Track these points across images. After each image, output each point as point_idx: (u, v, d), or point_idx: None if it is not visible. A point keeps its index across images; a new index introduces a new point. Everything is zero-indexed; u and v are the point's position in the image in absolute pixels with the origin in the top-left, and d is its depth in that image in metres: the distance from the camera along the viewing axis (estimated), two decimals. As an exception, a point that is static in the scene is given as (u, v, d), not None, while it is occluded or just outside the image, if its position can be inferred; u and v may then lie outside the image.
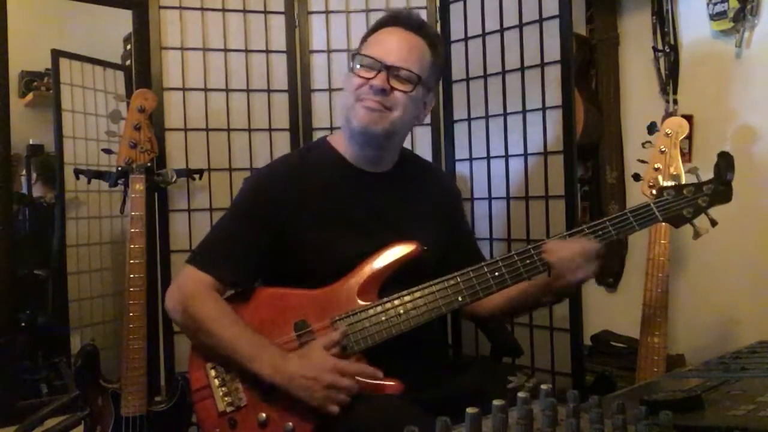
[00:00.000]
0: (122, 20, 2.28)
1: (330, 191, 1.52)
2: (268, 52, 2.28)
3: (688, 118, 2.10)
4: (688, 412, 0.86)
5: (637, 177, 1.88)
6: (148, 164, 1.98)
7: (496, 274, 1.41)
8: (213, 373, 1.42)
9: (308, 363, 1.33)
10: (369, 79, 1.45)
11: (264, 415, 1.37)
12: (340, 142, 1.58)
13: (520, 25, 2.15)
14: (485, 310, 1.61)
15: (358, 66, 1.48)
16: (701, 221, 1.49)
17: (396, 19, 1.53)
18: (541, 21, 2.10)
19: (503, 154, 2.23)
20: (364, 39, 1.54)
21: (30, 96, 2.70)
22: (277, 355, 1.36)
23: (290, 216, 1.48)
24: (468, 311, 1.64)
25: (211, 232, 1.58)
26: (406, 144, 1.69)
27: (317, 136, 2.22)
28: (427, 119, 2.31)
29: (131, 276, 1.89)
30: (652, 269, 1.84)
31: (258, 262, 1.49)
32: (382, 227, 1.51)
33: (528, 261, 1.42)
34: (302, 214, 1.48)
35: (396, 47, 1.48)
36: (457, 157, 2.36)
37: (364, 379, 1.35)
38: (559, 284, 1.43)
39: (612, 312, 2.57)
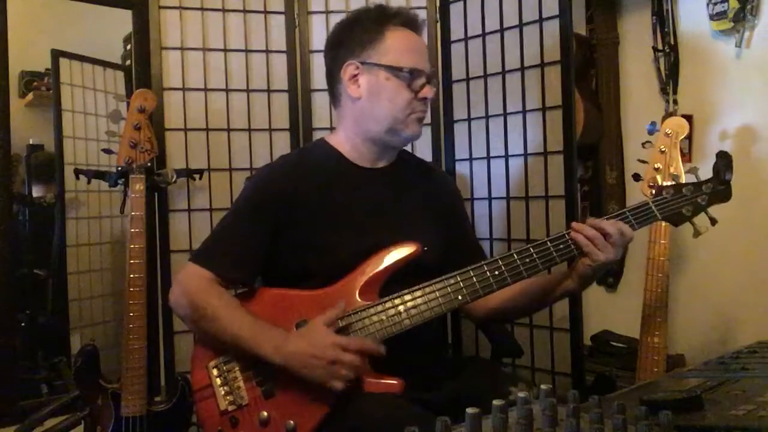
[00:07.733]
0: (122, 20, 2.27)
1: (330, 189, 1.52)
2: (268, 52, 2.28)
3: (688, 118, 2.10)
4: (688, 412, 0.86)
5: (637, 177, 1.88)
6: (148, 164, 1.98)
7: (496, 272, 1.40)
8: (215, 372, 1.43)
9: (309, 340, 1.33)
10: (417, 91, 1.49)
11: (265, 413, 1.37)
12: (341, 142, 1.58)
13: (520, 25, 2.15)
14: (494, 306, 1.59)
15: (408, 78, 1.48)
16: (701, 220, 1.49)
17: (407, 22, 1.54)
18: (541, 21, 2.10)
19: (503, 154, 2.23)
20: (372, 39, 1.50)
21: (30, 96, 2.69)
22: (278, 336, 1.36)
23: (291, 214, 1.48)
24: (478, 309, 1.61)
25: (212, 232, 1.59)
26: (407, 144, 1.70)
27: (317, 136, 2.22)
28: (428, 119, 2.31)
29: (131, 276, 1.89)
30: (652, 269, 1.84)
31: (259, 261, 1.50)
32: (382, 224, 1.51)
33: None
34: (303, 213, 1.49)
35: (423, 51, 1.54)
36: (457, 157, 2.36)
37: (366, 378, 1.35)
38: (584, 265, 1.42)
39: (612, 312, 2.57)
